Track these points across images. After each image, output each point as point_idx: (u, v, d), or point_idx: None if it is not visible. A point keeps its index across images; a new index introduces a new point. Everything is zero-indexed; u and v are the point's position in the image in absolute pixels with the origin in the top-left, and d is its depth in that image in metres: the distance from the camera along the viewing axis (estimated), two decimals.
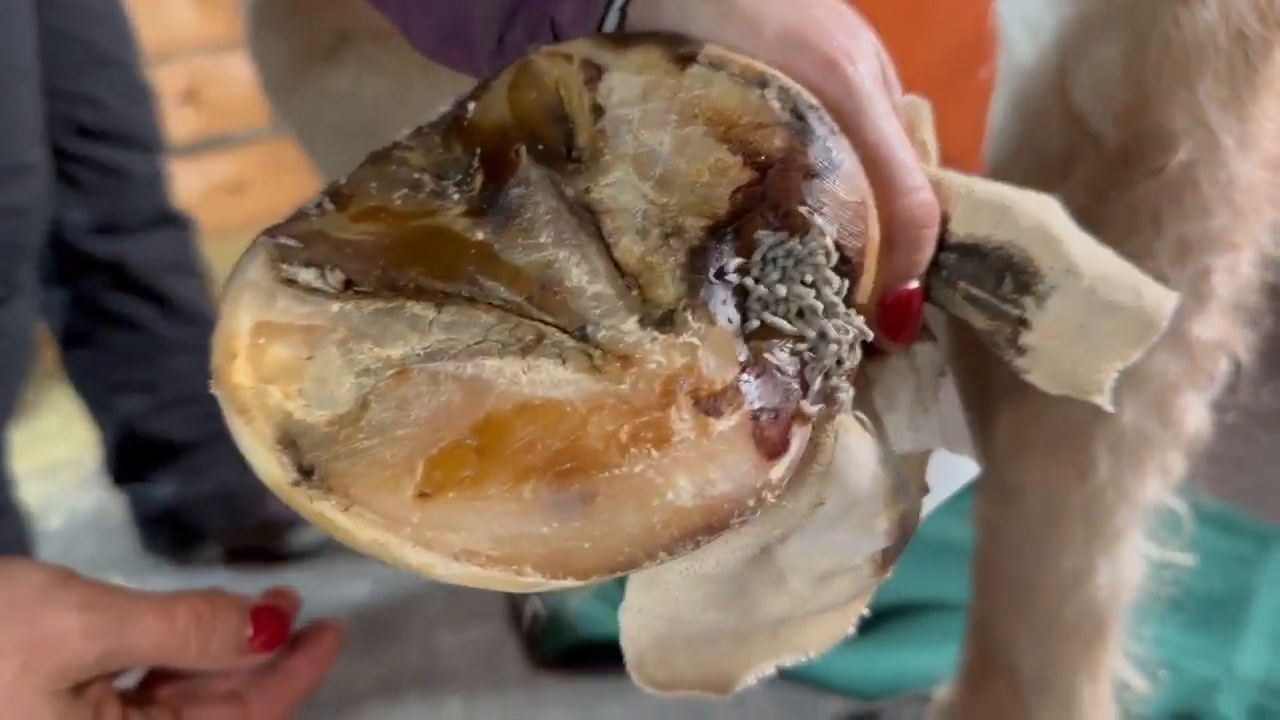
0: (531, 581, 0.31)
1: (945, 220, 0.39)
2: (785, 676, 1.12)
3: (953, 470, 0.41)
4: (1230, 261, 0.61)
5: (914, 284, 0.38)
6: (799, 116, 0.36)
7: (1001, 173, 0.64)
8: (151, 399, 1.34)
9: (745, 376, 0.33)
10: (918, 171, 0.37)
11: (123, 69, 1.27)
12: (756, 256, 0.34)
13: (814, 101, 0.36)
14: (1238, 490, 1.25)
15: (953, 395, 0.41)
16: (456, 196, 0.37)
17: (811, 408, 0.33)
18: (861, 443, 0.36)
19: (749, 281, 0.34)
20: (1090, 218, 0.60)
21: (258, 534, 1.38)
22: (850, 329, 0.35)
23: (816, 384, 0.34)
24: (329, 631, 0.49)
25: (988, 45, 0.65)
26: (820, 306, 0.34)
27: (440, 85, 0.43)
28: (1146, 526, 0.71)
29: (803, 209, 0.34)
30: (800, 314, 0.34)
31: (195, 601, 0.45)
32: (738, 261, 0.34)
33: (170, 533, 1.39)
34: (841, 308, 0.35)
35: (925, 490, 0.40)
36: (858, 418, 0.37)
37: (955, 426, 0.41)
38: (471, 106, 0.39)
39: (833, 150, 0.36)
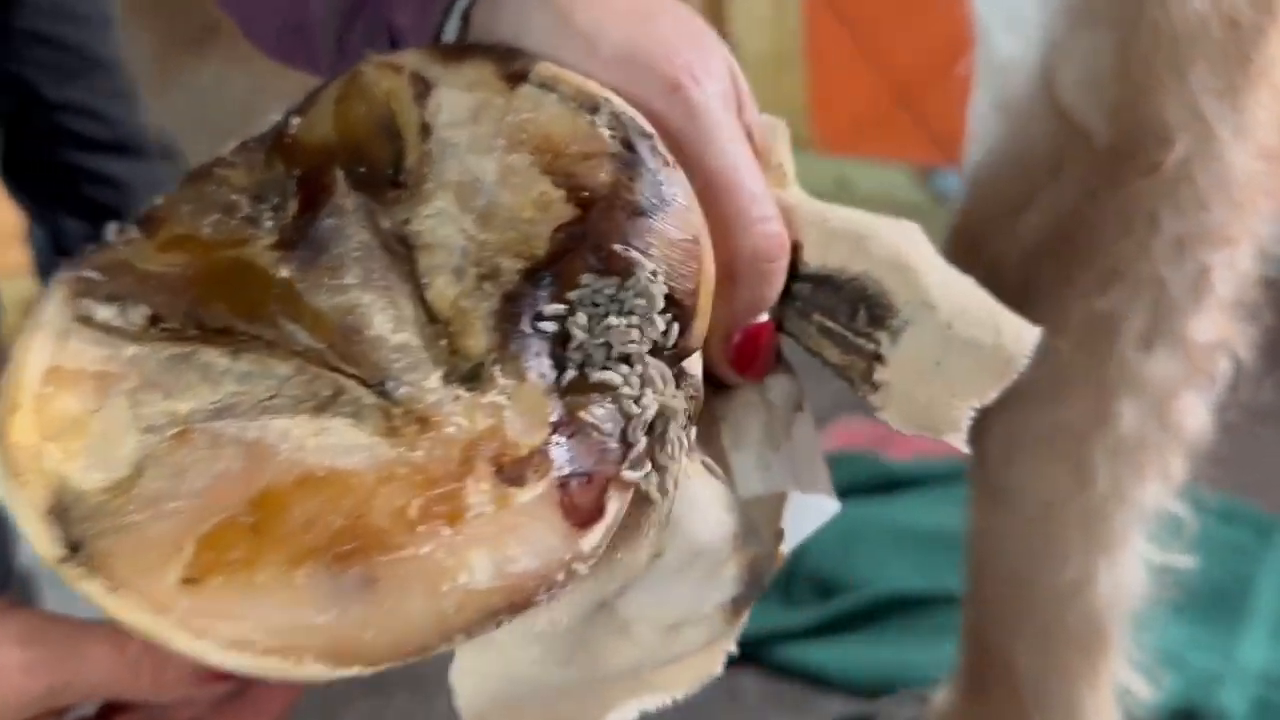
0: (314, 671, 0.28)
1: (797, 249, 0.37)
2: (782, 673, 1.11)
3: (809, 510, 0.39)
4: (1228, 257, 0.59)
5: (764, 317, 0.37)
6: (629, 147, 0.33)
7: (986, 175, 0.62)
8: None
9: (556, 439, 0.30)
10: (766, 201, 0.35)
11: (110, 71, 1.23)
12: (575, 302, 0.32)
13: (648, 129, 0.34)
14: (1237, 483, 1.23)
15: (809, 430, 0.39)
16: (270, 224, 0.35)
17: (631, 472, 0.31)
18: (705, 490, 0.34)
19: (566, 330, 0.31)
20: (1082, 219, 0.58)
21: None
22: (678, 379, 0.32)
23: (640, 442, 0.31)
24: None
25: (963, 40, 0.63)
26: (645, 355, 0.31)
27: (305, 81, 0.41)
28: (1147, 530, 0.69)
29: (627, 250, 0.32)
30: (623, 363, 0.31)
31: None
32: (554, 308, 0.32)
33: None
34: (666, 355, 0.32)
35: (779, 535, 0.38)
36: (704, 462, 0.35)
37: (808, 463, 0.39)
38: (295, 121, 0.36)
39: (663, 185, 0.33)
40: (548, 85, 0.35)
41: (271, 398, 0.31)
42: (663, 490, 0.32)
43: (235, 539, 0.29)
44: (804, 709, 1.08)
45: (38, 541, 0.30)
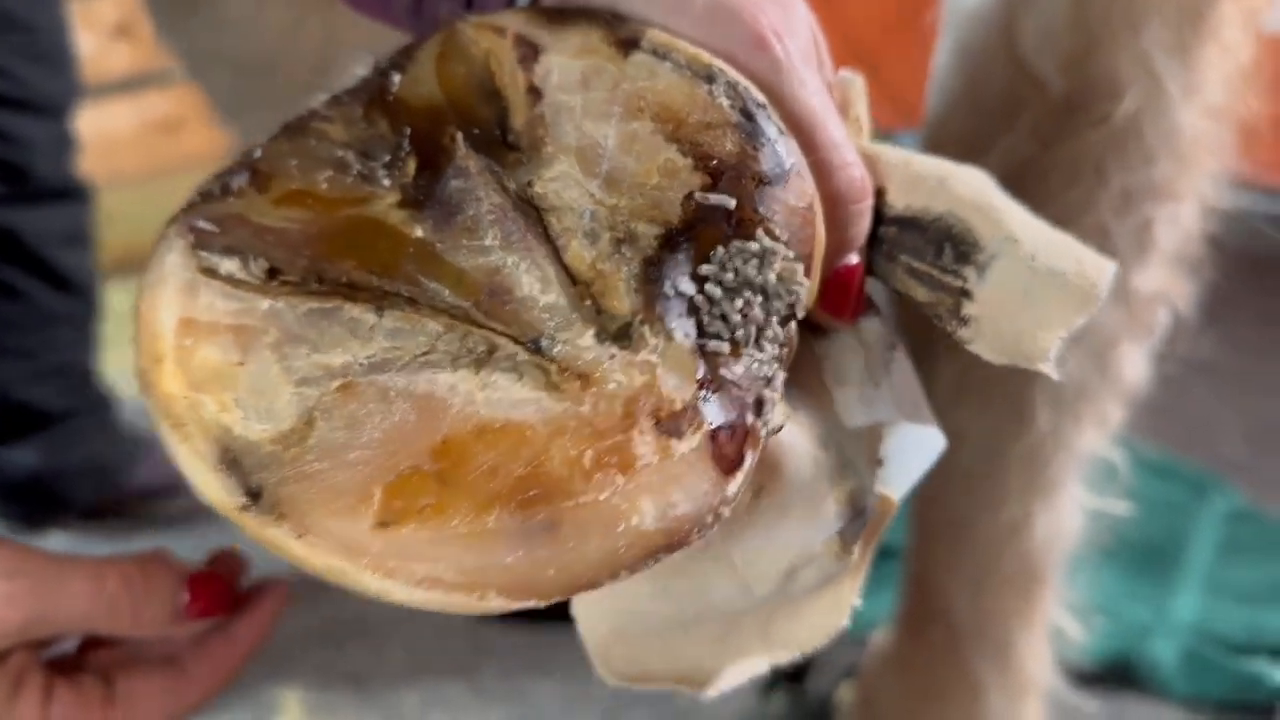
0: (495, 605, 0.30)
1: (882, 194, 0.38)
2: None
3: (918, 448, 0.40)
4: (1172, 212, 0.60)
5: (854, 259, 0.38)
6: (749, 117, 0.35)
7: (946, 121, 0.63)
8: (28, 366, 1.30)
9: (703, 394, 0.32)
10: (849, 148, 0.37)
11: (31, 33, 1.22)
12: (713, 269, 0.34)
13: (762, 99, 0.35)
14: (1172, 438, 1.27)
15: (906, 368, 0.40)
16: (388, 182, 0.35)
17: (763, 424, 0.33)
18: (798, 430, 0.36)
19: (706, 295, 0.33)
20: (1034, 167, 0.60)
21: (129, 504, 1.36)
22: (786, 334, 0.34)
23: (770, 397, 0.33)
24: (273, 591, 0.47)
25: (922, 4, 0.64)
26: (778, 319, 0.34)
27: (336, 24, 0.41)
28: (1084, 476, 0.71)
29: (757, 219, 0.34)
30: (753, 324, 0.33)
31: (127, 566, 0.43)
32: (694, 273, 0.33)
33: (32, 500, 1.36)
34: (784, 315, 0.34)
35: (878, 464, 0.39)
36: (797, 402, 0.37)
37: (910, 398, 0.40)
38: (396, 79, 0.37)
39: (783, 154, 0.35)
40: (660, 53, 0.35)
41: (427, 353, 0.32)
42: (770, 431, 0.34)
43: (423, 486, 0.31)
44: None
45: (210, 490, 0.31)
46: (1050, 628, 0.77)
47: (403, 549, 0.30)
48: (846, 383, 0.39)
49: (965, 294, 0.37)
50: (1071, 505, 0.71)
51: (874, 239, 0.38)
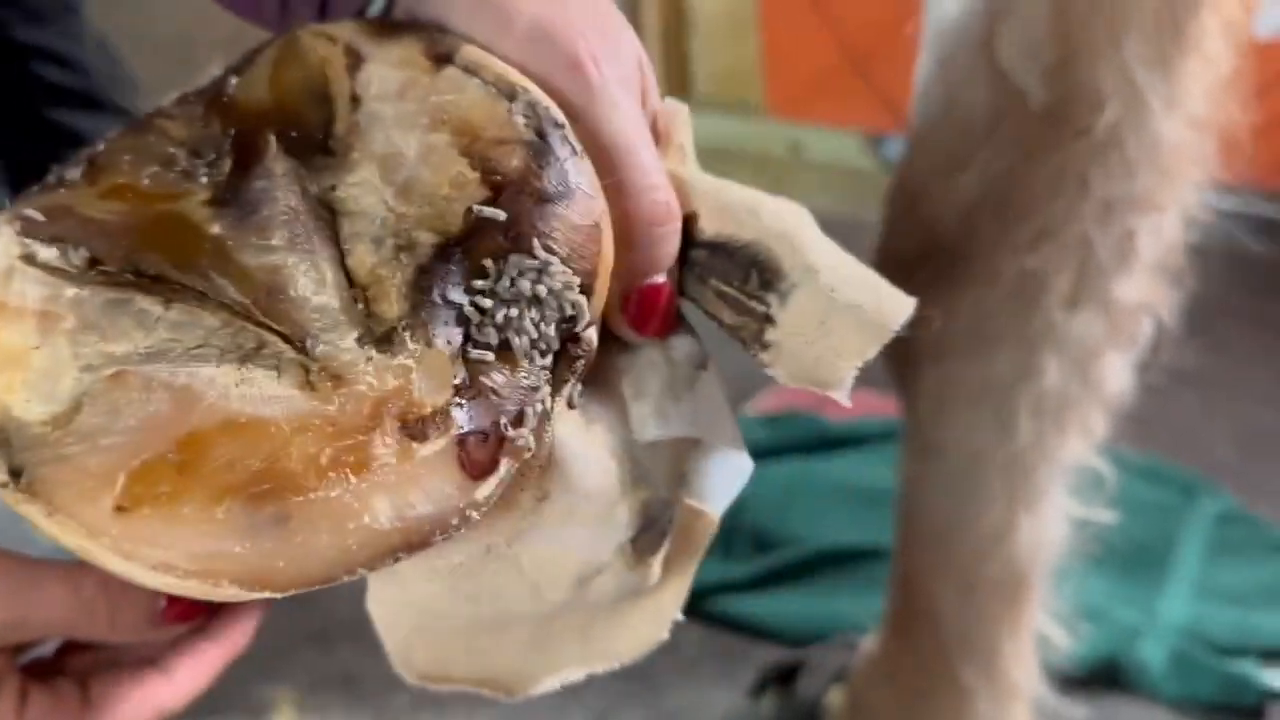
0: (229, 594, 0.32)
1: (693, 220, 0.39)
2: (720, 624, 1.13)
3: (727, 471, 0.40)
4: (1155, 223, 0.61)
5: (661, 279, 0.39)
6: (541, 136, 0.36)
7: (928, 132, 0.63)
8: None
9: (457, 400, 0.33)
10: (657, 172, 0.38)
11: (78, 16, 1.14)
12: (485, 281, 0.35)
13: (560, 119, 0.37)
14: (1164, 442, 1.27)
15: (715, 388, 0.41)
16: (205, 179, 0.37)
17: (521, 434, 0.34)
18: (581, 436, 0.37)
19: (474, 304, 0.34)
20: (1016, 178, 0.60)
21: None
22: (568, 348, 0.36)
23: (532, 406, 0.34)
24: None
25: (913, 7, 0.64)
26: (542, 329, 0.35)
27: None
28: (1069, 484, 0.71)
29: (534, 234, 0.35)
30: (521, 335, 0.34)
31: (103, 571, 0.43)
32: (465, 284, 0.34)
33: None
34: (561, 329, 0.35)
35: (680, 479, 0.40)
36: (590, 411, 0.37)
37: (713, 418, 0.41)
38: (233, 81, 0.38)
39: (569, 173, 0.36)
40: (470, 69, 0.37)
41: (200, 346, 0.33)
42: (538, 440, 0.35)
43: (163, 474, 0.32)
44: (740, 658, 1.11)
45: None
46: (1036, 634, 0.77)
47: (138, 533, 0.31)
48: (643, 396, 0.40)
49: (768, 319, 0.38)
50: (1056, 513, 0.71)
51: (686, 261, 0.39)
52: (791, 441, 1.32)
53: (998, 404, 0.64)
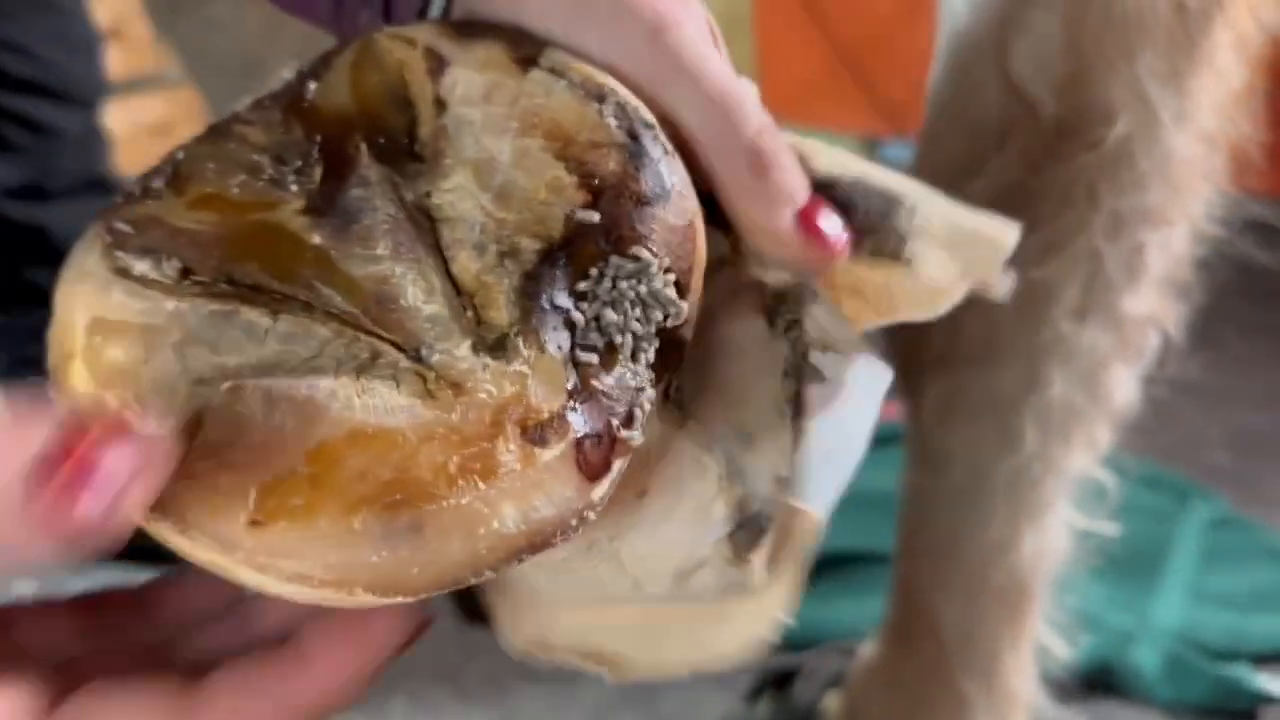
0: (364, 600, 0.32)
1: (804, 160, 0.40)
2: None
3: (836, 467, 0.40)
4: (1164, 237, 0.60)
5: (804, 198, 0.39)
6: (634, 137, 0.36)
7: (939, 140, 0.63)
8: None
9: (572, 404, 0.34)
10: (761, 110, 0.38)
11: (62, 17, 1.17)
12: (588, 284, 0.35)
13: (650, 119, 0.37)
14: (1159, 447, 1.27)
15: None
16: (295, 188, 0.37)
17: (631, 434, 0.34)
18: (677, 431, 0.37)
19: (580, 309, 0.35)
20: (1025, 189, 0.60)
21: None
22: (668, 348, 0.36)
23: (640, 407, 0.35)
24: None
25: (927, 8, 0.63)
26: (646, 330, 0.35)
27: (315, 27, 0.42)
28: (1072, 496, 0.71)
29: (634, 236, 0.35)
30: (627, 336, 0.35)
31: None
32: (570, 288, 0.35)
33: None
34: (662, 328, 0.36)
35: (781, 482, 0.40)
36: (674, 402, 0.38)
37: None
38: (312, 86, 0.38)
39: (664, 174, 0.36)
40: (557, 72, 0.37)
41: (315, 357, 0.34)
42: (641, 438, 0.35)
43: (296, 488, 0.32)
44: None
45: None
46: (1036, 643, 0.77)
47: (273, 547, 0.31)
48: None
49: (902, 238, 0.39)
50: (1059, 525, 0.71)
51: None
52: None
53: (1003, 415, 0.64)
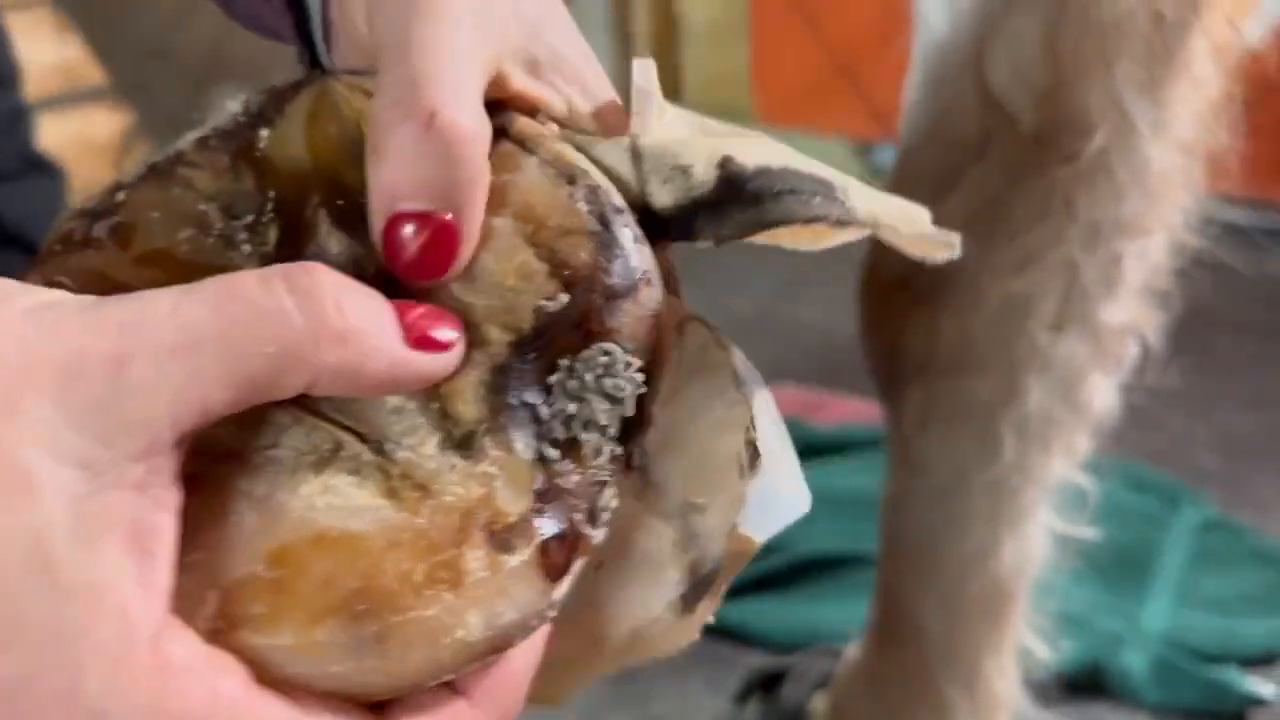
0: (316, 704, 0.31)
1: (729, 162, 0.37)
2: (705, 630, 1.13)
3: (778, 507, 0.40)
4: (1141, 246, 0.60)
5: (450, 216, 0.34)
6: (605, 225, 0.35)
7: (916, 152, 0.63)
8: None
9: (538, 506, 0.33)
10: (458, 96, 0.34)
11: None
12: (556, 379, 0.34)
13: (619, 204, 0.35)
14: (1149, 450, 1.28)
15: (772, 410, 0.40)
16: (248, 248, 0.35)
17: (595, 531, 0.33)
18: (635, 501, 0.36)
19: (547, 404, 0.34)
20: (1003, 201, 0.60)
21: None
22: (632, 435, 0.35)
23: (605, 506, 0.34)
24: None
25: (905, 14, 0.63)
26: (618, 425, 0.34)
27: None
28: (1052, 502, 0.71)
29: (603, 331, 0.34)
30: (595, 433, 0.34)
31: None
32: (539, 383, 0.34)
33: None
34: (630, 421, 0.34)
35: (732, 534, 0.38)
36: (633, 468, 0.36)
37: (771, 443, 0.40)
38: (264, 135, 0.36)
39: (634, 264, 0.35)
40: (529, 147, 0.36)
41: (272, 446, 0.32)
42: (602, 533, 0.34)
43: (257, 594, 0.31)
44: (726, 664, 1.11)
45: None
46: (1019, 648, 0.78)
47: (234, 653, 0.30)
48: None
49: (846, 206, 0.37)
50: (1039, 532, 0.71)
51: (742, 198, 0.37)
52: None
53: (982, 425, 0.64)
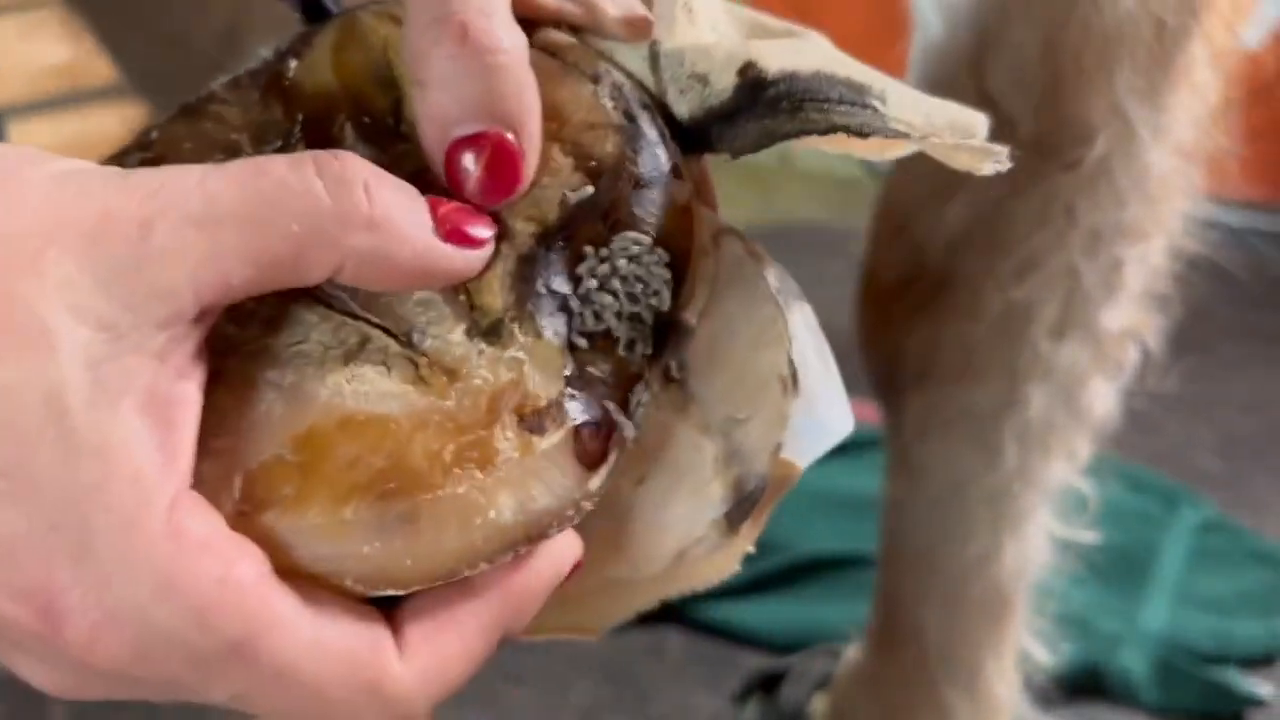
0: (352, 591, 0.31)
1: (751, 68, 0.37)
2: (705, 630, 1.14)
3: (823, 426, 0.40)
4: (1142, 251, 0.60)
5: (510, 134, 0.34)
6: (631, 119, 0.35)
7: (914, 157, 0.62)
8: None
9: (570, 391, 0.33)
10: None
11: None
12: (585, 268, 0.34)
13: (646, 100, 0.36)
14: (1148, 451, 1.28)
15: (814, 325, 0.39)
16: None
17: (629, 421, 0.33)
18: (677, 415, 0.36)
19: (577, 293, 0.34)
20: (1003, 210, 0.60)
21: None
22: (668, 332, 0.35)
23: (638, 396, 0.34)
24: None
25: (900, 22, 0.63)
26: (649, 318, 0.34)
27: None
28: (1053, 506, 0.71)
29: (631, 220, 0.34)
30: (625, 322, 0.34)
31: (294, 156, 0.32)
32: (566, 272, 0.34)
33: None
34: (662, 313, 0.35)
35: (775, 451, 0.39)
36: (678, 381, 0.36)
37: (813, 363, 0.39)
38: (293, 65, 0.37)
39: (661, 157, 0.35)
40: (550, 50, 0.36)
41: (300, 342, 0.33)
42: (636, 427, 0.34)
43: (284, 476, 0.31)
44: (725, 665, 1.11)
45: None
46: (1020, 651, 0.78)
47: (261, 538, 0.30)
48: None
49: (879, 113, 0.37)
50: (1040, 537, 0.71)
51: (765, 104, 0.37)
52: None
53: (983, 432, 0.64)
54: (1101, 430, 0.68)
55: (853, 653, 0.90)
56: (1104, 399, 0.65)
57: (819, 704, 0.96)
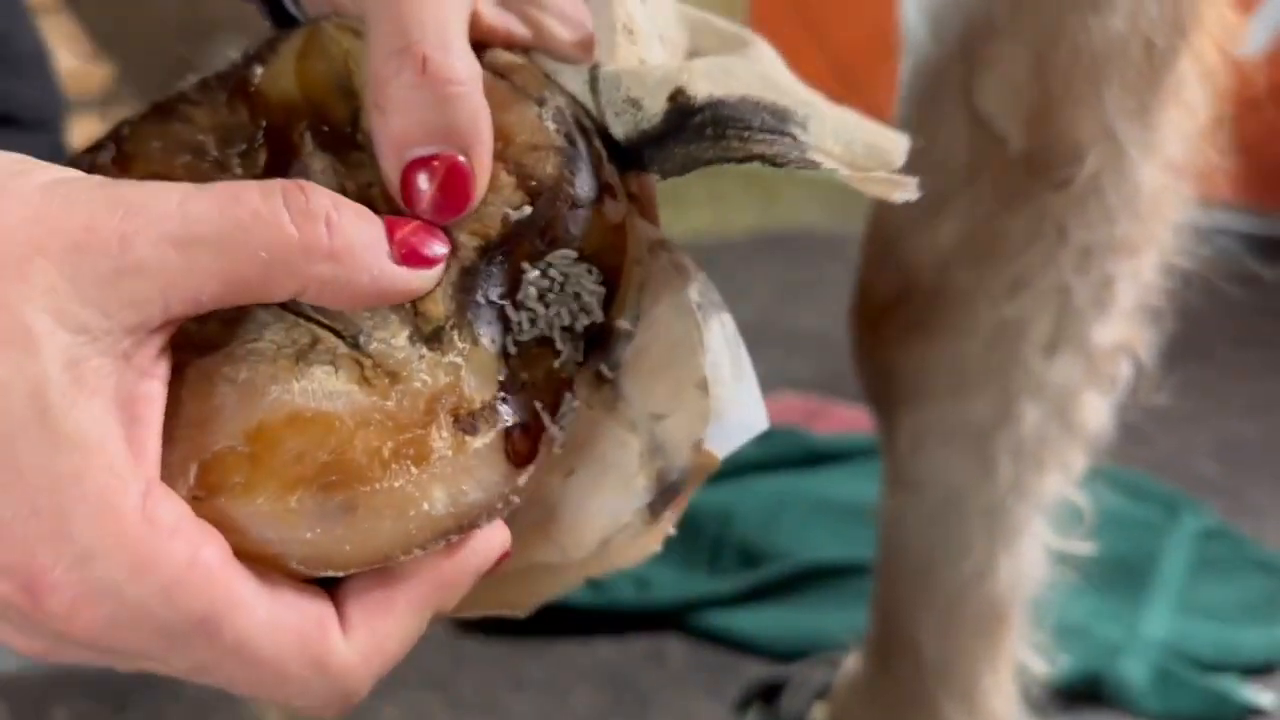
0: (296, 572, 0.34)
1: (680, 93, 0.38)
2: (706, 639, 1.14)
3: (740, 424, 0.42)
4: (1133, 267, 0.61)
5: (462, 157, 0.36)
6: (570, 141, 0.37)
7: (907, 173, 0.63)
8: None
9: (502, 395, 0.35)
10: (437, 34, 0.36)
11: (4, 41, 1.16)
12: (523, 282, 0.36)
13: (586, 122, 0.38)
14: (1149, 458, 1.28)
15: (734, 333, 0.42)
16: (240, 170, 0.38)
17: (556, 425, 0.36)
18: (605, 412, 0.39)
19: (514, 305, 0.36)
20: (994, 226, 0.60)
21: None
22: (597, 341, 0.38)
23: (568, 404, 0.37)
24: None
25: (891, 41, 0.64)
26: (581, 329, 0.37)
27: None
28: (1048, 519, 0.71)
29: (567, 238, 0.37)
30: (557, 332, 0.37)
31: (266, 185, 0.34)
32: (505, 285, 0.36)
33: None
34: (593, 324, 0.37)
35: (697, 446, 0.41)
36: (605, 380, 0.39)
37: (732, 368, 0.42)
38: (258, 71, 0.39)
39: (596, 177, 0.37)
40: (499, 72, 0.38)
41: (255, 340, 0.35)
42: (563, 429, 0.37)
43: (236, 466, 0.33)
44: (725, 673, 1.11)
45: None
46: (1017, 664, 0.78)
47: (213, 521, 0.33)
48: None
49: (799, 142, 0.39)
50: (1035, 550, 0.71)
51: (691, 130, 0.38)
52: (778, 457, 1.32)
53: (976, 447, 0.64)
54: (1096, 443, 0.68)
55: (851, 662, 0.90)
56: (1097, 413, 0.65)
57: (818, 713, 0.96)
